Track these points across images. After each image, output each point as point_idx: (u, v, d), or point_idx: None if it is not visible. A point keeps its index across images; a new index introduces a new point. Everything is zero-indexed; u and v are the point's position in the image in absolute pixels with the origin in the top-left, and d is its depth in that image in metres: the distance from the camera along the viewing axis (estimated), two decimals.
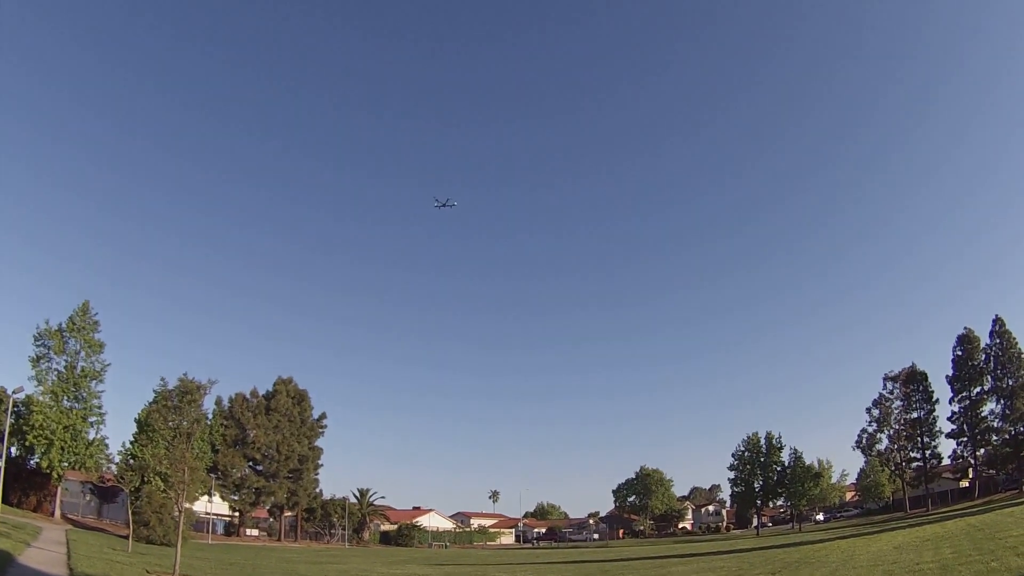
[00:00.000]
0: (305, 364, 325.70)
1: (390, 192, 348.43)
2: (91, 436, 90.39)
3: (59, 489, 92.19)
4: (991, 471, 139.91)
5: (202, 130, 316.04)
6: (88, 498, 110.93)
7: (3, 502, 61.36)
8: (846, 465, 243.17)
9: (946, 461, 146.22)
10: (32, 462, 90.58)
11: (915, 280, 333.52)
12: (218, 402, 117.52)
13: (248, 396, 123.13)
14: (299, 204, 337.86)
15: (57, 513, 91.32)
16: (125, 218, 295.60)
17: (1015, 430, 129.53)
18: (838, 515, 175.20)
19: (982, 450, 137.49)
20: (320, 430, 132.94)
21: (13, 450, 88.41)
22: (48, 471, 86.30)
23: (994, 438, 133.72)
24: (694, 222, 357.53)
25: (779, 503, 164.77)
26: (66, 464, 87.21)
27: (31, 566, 29.16)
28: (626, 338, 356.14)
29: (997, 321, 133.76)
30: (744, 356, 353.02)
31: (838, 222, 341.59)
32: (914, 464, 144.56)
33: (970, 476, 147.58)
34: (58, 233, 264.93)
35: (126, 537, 59.31)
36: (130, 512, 63.31)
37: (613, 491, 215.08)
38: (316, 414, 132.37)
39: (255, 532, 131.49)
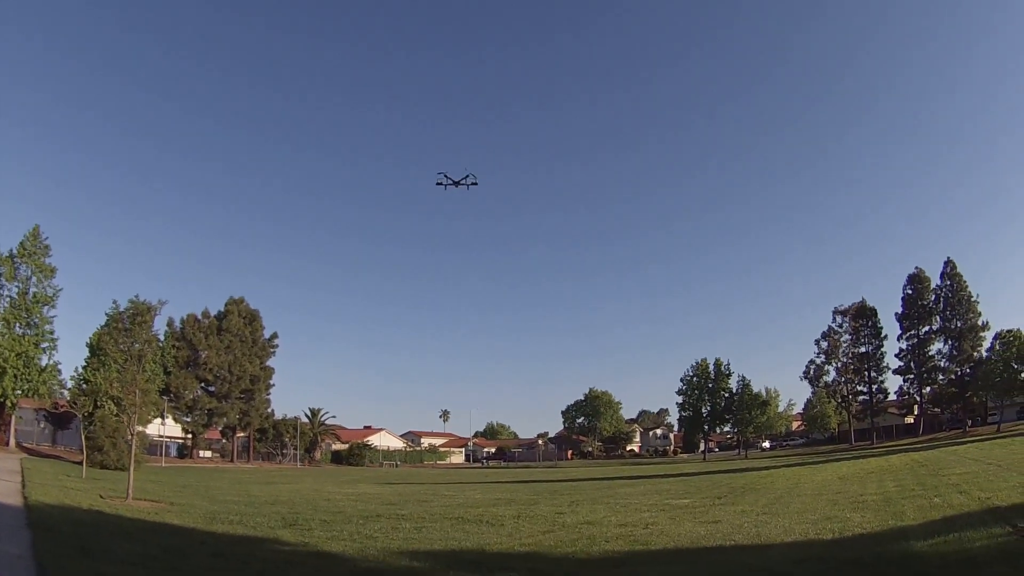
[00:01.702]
0: (256, 286, 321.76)
1: (337, 121, 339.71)
2: (44, 362, 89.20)
3: (13, 418, 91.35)
4: (936, 409, 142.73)
5: (154, 58, 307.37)
6: (42, 425, 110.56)
7: None
8: (793, 395, 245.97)
9: (892, 397, 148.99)
10: None
11: (867, 216, 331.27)
12: (170, 324, 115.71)
13: (200, 317, 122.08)
14: (249, 132, 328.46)
15: (12, 442, 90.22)
16: (74, 144, 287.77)
17: (961, 371, 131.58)
18: (784, 443, 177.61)
19: (928, 388, 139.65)
20: (272, 350, 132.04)
21: None
22: (1, 400, 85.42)
23: (940, 377, 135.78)
24: (650, 161, 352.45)
25: (726, 429, 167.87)
26: (19, 392, 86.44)
27: None
28: (577, 261, 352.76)
29: (948, 263, 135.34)
30: (695, 283, 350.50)
31: (790, 152, 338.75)
32: (860, 398, 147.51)
33: (915, 413, 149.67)
34: (6, 160, 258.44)
35: (80, 463, 59.22)
36: (84, 438, 62.83)
37: (562, 412, 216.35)
38: (267, 334, 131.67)
39: (208, 454, 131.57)
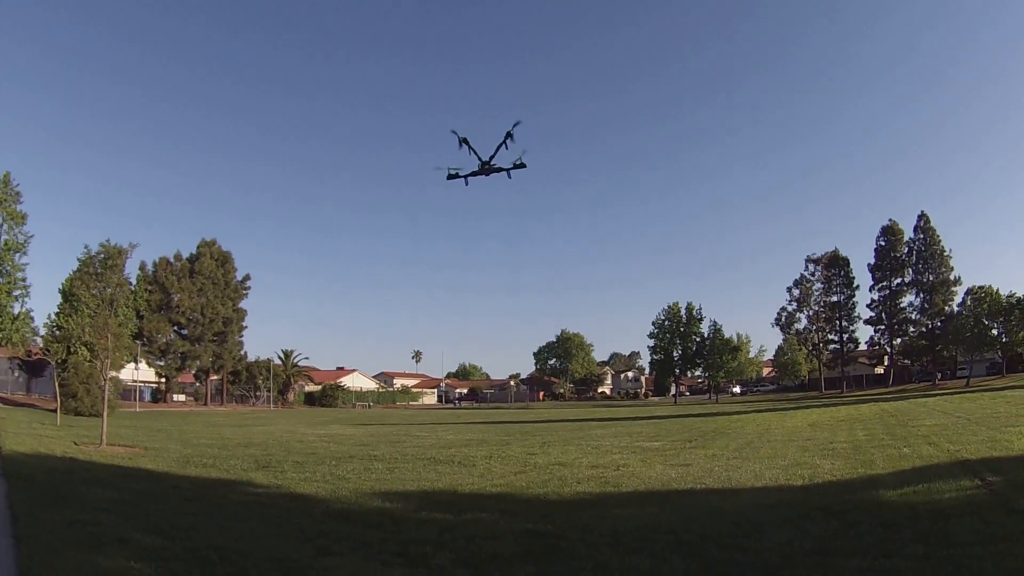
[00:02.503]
0: (227, 228, 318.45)
1: (308, 57, 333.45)
2: (16, 310, 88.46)
3: None
4: (906, 361, 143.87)
5: None
6: (16, 374, 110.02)
7: None
8: (764, 342, 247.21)
9: (863, 347, 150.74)
10: None
11: (841, 166, 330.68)
12: (142, 267, 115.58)
13: (172, 260, 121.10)
14: (215, 69, 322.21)
15: None
16: (42, 90, 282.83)
17: (932, 324, 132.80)
18: (754, 389, 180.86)
19: (899, 340, 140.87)
20: (244, 292, 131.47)
21: None
22: None
23: (911, 329, 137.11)
24: (627, 100, 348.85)
25: (697, 374, 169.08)
26: None
27: None
28: (551, 199, 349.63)
29: (922, 217, 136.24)
30: (668, 226, 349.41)
31: (767, 96, 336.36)
32: (831, 346, 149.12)
33: (886, 364, 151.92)
34: None
35: (55, 411, 59.12)
36: (57, 385, 62.63)
37: (534, 354, 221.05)
38: (240, 276, 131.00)
39: (182, 397, 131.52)
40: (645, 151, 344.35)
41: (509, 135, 40.60)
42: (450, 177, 43.77)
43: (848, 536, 12.13)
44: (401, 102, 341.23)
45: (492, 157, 42.32)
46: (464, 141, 41.90)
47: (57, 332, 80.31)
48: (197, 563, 10.73)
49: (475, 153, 41.84)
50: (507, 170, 42.51)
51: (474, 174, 42.94)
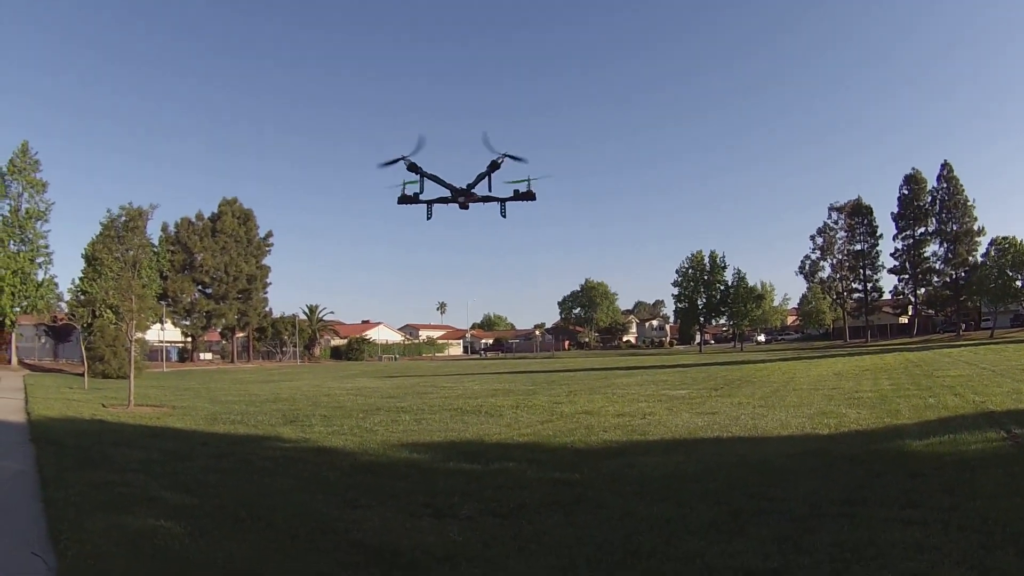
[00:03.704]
0: (249, 183, 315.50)
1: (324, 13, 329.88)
2: (40, 277, 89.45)
3: (13, 335, 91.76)
4: (930, 311, 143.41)
5: None
6: (43, 340, 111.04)
7: None
8: (788, 290, 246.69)
9: (887, 296, 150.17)
10: None
11: (865, 113, 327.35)
12: (164, 228, 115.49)
13: (194, 220, 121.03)
14: (235, 25, 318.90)
15: (14, 360, 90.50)
16: (57, 58, 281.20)
17: (956, 274, 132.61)
18: (779, 338, 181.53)
19: (922, 289, 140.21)
20: (267, 249, 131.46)
21: None
22: (1, 319, 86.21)
23: (935, 279, 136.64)
24: (652, 59, 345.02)
25: (722, 322, 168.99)
26: (18, 309, 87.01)
27: None
28: (574, 147, 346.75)
29: (945, 166, 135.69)
30: (693, 174, 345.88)
31: (791, 47, 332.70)
32: (855, 295, 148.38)
33: (909, 314, 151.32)
34: None
35: (82, 375, 59.29)
36: (84, 349, 62.65)
37: (559, 303, 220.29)
38: (262, 233, 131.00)
39: (208, 356, 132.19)
40: (671, 105, 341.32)
41: (495, 164, 25.78)
42: (403, 200, 27.35)
43: (874, 486, 12.10)
44: (421, 65, 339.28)
45: (472, 185, 27.19)
46: (413, 167, 25.88)
47: (82, 297, 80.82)
48: (226, 520, 10.80)
49: (438, 182, 27.14)
50: (502, 200, 27.46)
51: (442, 200, 27.78)
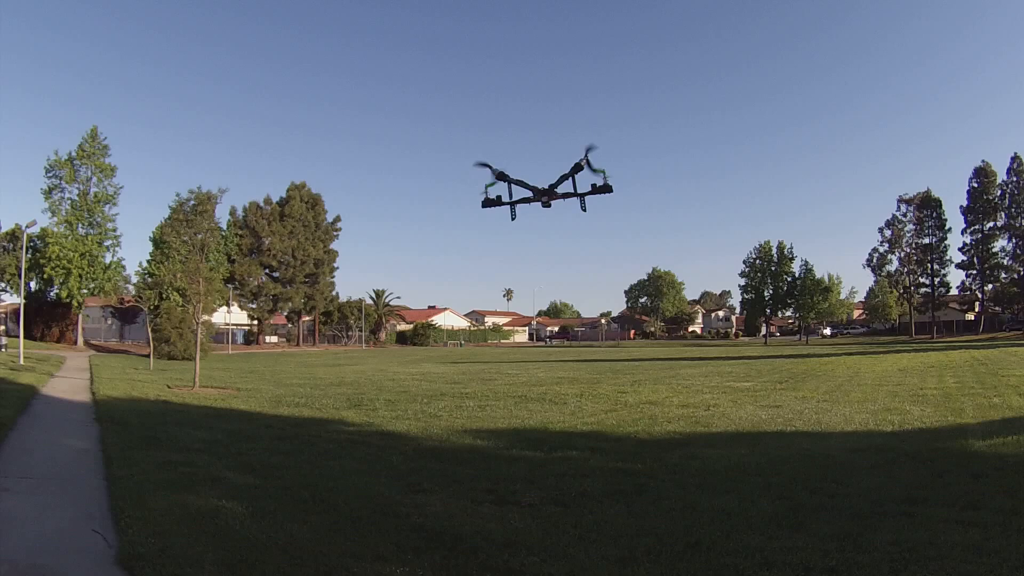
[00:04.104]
0: (318, 168, 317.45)
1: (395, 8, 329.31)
2: (108, 260, 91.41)
3: (80, 317, 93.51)
4: (997, 308, 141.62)
5: None
6: (109, 322, 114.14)
7: (26, 337, 61.96)
8: (855, 283, 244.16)
9: (954, 291, 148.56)
10: (52, 294, 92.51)
11: (936, 103, 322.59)
12: (232, 212, 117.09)
13: (262, 204, 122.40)
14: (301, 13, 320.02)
15: (80, 341, 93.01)
16: (126, 44, 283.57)
17: None
18: (844, 331, 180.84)
19: (990, 286, 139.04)
20: (335, 233, 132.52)
21: (32, 284, 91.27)
22: (68, 300, 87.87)
23: (1003, 275, 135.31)
24: (723, 45, 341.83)
25: (788, 314, 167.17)
26: (85, 291, 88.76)
27: (55, 396, 29.18)
28: (642, 131, 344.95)
29: (1015, 159, 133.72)
30: (762, 164, 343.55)
31: (860, 35, 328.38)
32: (922, 290, 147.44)
33: (976, 310, 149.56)
34: (59, 60, 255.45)
35: (148, 356, 59.99)
36: (150, 330, 63.40)
37: (625, 292, 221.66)
38: (330, 217, 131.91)
39: (274, 339, 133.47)
40: (737, 93, 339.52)
41: (579, 166, 26.58)
42: (487, 204, 28.25)
43: (936, 485, 12.02)
44: (489, 51, 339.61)
45: (554, 185, 28.88)
46: (502, 176, 27.19)
47: (149, 279, 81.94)
48: (289, 501, 10.89)
49: (522, 185, 27.16)
50: (581, 196, 28.04)
51: (524, 201, 29.03)
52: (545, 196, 25.50)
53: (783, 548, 8.52)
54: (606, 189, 25.44)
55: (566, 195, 25.23)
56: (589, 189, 25.11)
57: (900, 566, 7.86)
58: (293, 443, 17.18)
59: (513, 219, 27.80)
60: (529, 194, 25.60)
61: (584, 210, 26.12)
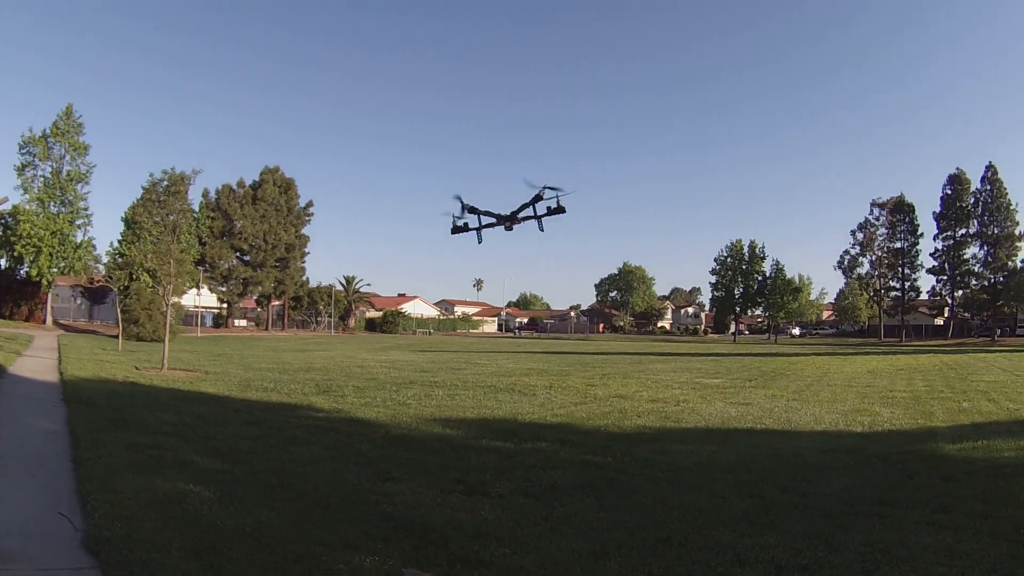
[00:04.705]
0: (290, 154, 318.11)
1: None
2: (79, 239, 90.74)
3: (49, 296, 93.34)
4: (966, 314, 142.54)
5: None
6: (79, 302, 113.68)
7: None
8: (826, 284, 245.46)
9: (924, 296, 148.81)
10: (22, 272, 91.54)
11: (912, 110, 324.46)
12: (205, 194, 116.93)
13: (235, 187, 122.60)
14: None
15: (49, 320, 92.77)
16: (102, 15, 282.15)
17: (995, 278, 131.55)
18: (814, 331, 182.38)
19: (960, 292, 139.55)
20: (307, 218, 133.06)
21: (2, 262, 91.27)
22: (38, 279, 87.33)
23: (973, 282, 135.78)
24: (704, 50, 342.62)
25: (757, 313, 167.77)
26: (55, 270, 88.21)
27: (23, 375, 28.91)
28: (617, 130, 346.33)
29: (990, 168, 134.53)
30: (735, 164, 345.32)
31: (841, 43, 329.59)
32: (892, 293, 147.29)
33: (945, 316, 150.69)
34: (34, 41, 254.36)
35: (117, 337, 59.80)
36: (119, 311, 63.12)
37: (595, 285, 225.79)
38: (303, 203, 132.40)
39: (243, 323, 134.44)
40: (713, 98, 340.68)
41: (539, 197, 31.62)
42: (455, 231, 34.00)
43: (907, 487, 12.14)
44: (465, 48, 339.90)
45: (516, 212, 33.49)
46: (471, 209, 33.40)
47: (119, 259, 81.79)
48: (257, 487, 10.84)
49: (488, 215, 33.38)
50: (539, 218, 32.73)
51: (489, 226, 34.32)
52: (508, 222, 32.59)
53: (755, 546, 8.61)
54: (560, 211, 32.24)
55: (526, 218, 32.00)
56: (545, 212, 31.32)
57: (872, 567, 7.97)
58: (262, 428, 17.13)
59: (480, 243, 37.88)
60: (494, 220, 32.42)
61: (541, 230, 32.23)
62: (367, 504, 10.12)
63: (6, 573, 7.21)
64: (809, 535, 9.10)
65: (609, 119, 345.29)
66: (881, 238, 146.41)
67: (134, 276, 74.42)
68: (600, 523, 9.46)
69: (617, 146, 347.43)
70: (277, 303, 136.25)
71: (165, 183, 69.88)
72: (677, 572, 7.75)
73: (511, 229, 33.42)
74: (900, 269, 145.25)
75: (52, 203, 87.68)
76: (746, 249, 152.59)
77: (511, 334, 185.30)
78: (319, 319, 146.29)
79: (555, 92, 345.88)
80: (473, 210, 33.25)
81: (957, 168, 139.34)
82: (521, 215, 32.61)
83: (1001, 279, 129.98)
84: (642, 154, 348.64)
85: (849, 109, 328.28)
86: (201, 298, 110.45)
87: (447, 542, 8.40)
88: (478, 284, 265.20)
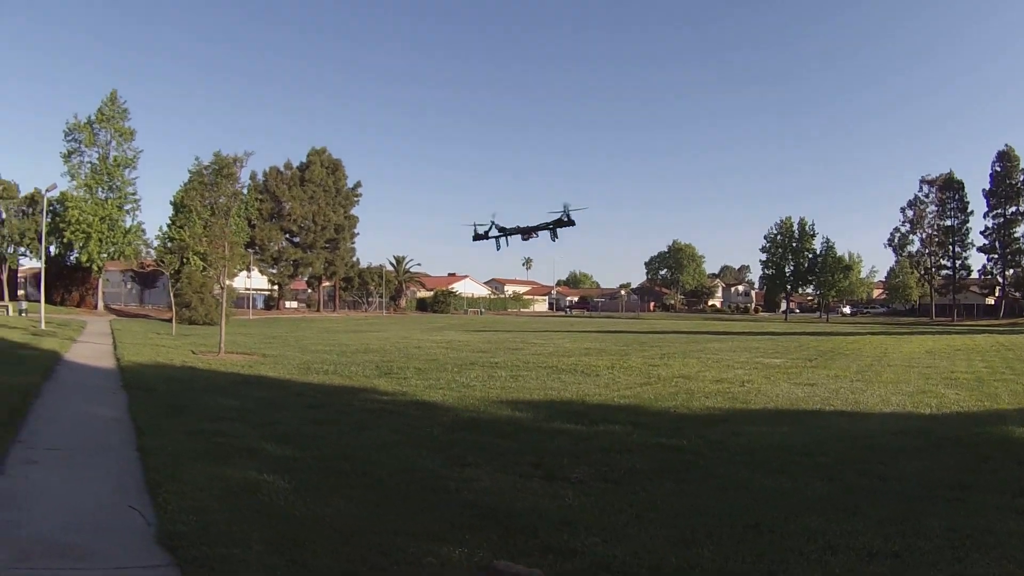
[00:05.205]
0: (338, 134, 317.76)
1: None
2: (128, 224, 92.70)
3: (100, 281, 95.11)
4: (1017, 293, 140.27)
5: None
6: (129, 286, 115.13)
7: (47, 301, 62.28)
8: (876, 262, 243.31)
9: (975, 275, 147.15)
10: (72, 258, 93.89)
11: (959, 85, 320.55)
12: (253, 177, 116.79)
13: (282, 169, 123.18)
14: None
15: (100, 305, 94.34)
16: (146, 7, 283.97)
17: None
18: (864, 310, 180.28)
19: (1011, 271, 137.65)
20: (355, 199, 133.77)
21: (52, 249, 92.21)
22: (88, 264, 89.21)
23: None
24: (755, 18, 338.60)
25: (808, 291, 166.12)
26: (105, 255, 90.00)
27: (79, 362, 29.12)
28: (666, 104, 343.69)
29: None
30: (787, 140, 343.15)
31: (886, 16, 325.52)
32: (943, 272, 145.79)
33: (996, 295, 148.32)
34: (79, 25, 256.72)
35: (169, 321, 60.12)
36: (172, 295, 63.49)
37: (645, 263, 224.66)
38: (351, 183, 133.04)
39: (294, 304, 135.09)
40: (762, 69, 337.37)
41: (560, 221, 40.71)
42: (477, 238, 42.73)
43: (983, 471, 11.92)
44: (515, 14, 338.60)
45: (535, 228, 42.44)
46: (500, 228, 42.31)
47: (170, 243, 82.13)
48: (330, 474, 10.68)
49: (507, 232, 42.68)
50: (550, 228, 41.75)
51: (506, 234, 42.70)
52: (526, 233, 40.78)
53: (843, 531, 8.48)
54: (570, 223, 40.88)
55: (540, 229, 41.30)
56: (556, 224, 39.57)
57: (962, 553, 7.81)
58: (326, 412, 17.02)
59: (498, 249, 44.93)
60: (515, 233, 40.40)
61: (554, 240, 41.27)
62: (447, 491, 9.97)
63: (78, 571, 7.04)
64: (893, 520, 8.97)
65: (660, 93, 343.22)
66: (931, 216, 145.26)
67: (185, 260, 74.82)
68: (684, 509, 9.31)
69: (667, 120, 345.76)
70: (328, 284, 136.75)
71: (214, 166, 70.02)
72: (770, 560, 7.61)
73: (528, 239, 42.40)
74: (950, 247, 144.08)
75: (100, 189, 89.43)
76: (796, 226, 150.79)
77: (562, 313, 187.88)
78: (370, 300, 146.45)
79: (604, 62, 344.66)
80: (502, 230, 41.78)
81: (1006, 144, 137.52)
82: (539, 230, 41.25)
83: None
84: (690, 130, 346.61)
85: (898, 82, 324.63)
86: (251, 280, 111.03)
87: (535, 531, 8.24)
88: (527, 263, 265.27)
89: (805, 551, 7.80)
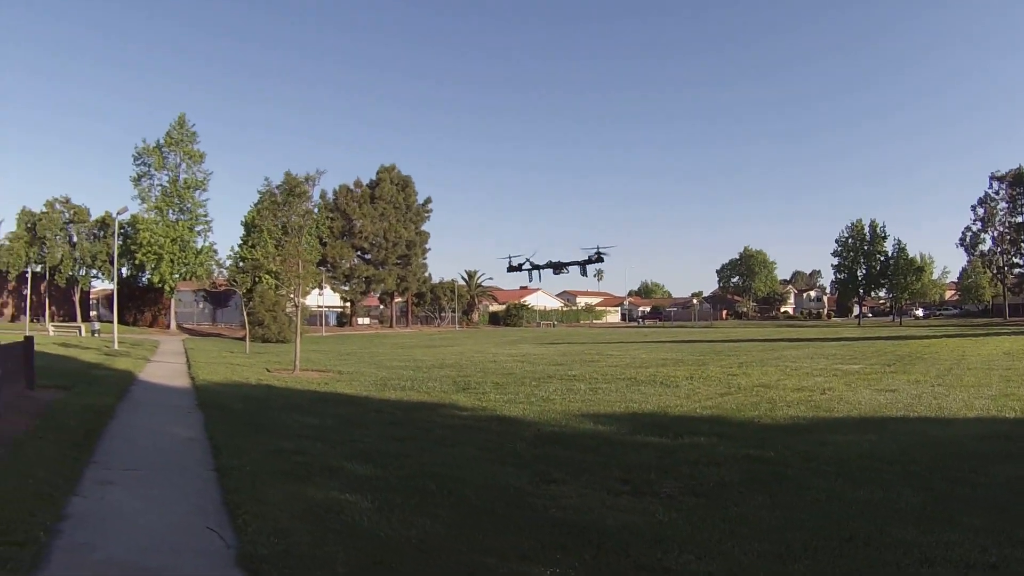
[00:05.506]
0: (408, 151, 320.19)
1: None
2: (199, 244, 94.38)
3: (172, 301, 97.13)
4: None
5: None
6: (201, 306, 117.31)
7: (119, 322, 63.19)
8: (947, 263, 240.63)
9: None
10: (143, 279, 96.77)
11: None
12: (323, 196, 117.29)
13: (352, 187, 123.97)
14: None
15: (172, 324, 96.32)
16: (212, 25, 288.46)
17: None
18: (937, 312, 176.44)
19: None
20: (426, 215, 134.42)
21: (124, 270, 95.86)
22: (160, 285, 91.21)
23: None
24: (822, 29, 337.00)
25: (880, 294, 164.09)
26: (177, 276, 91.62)
27: (153, 381, 29.53)
28: (734, 117, 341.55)
29: None
30: (854, 143, 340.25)
31: (957, 14, 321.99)
32: (1016, 270, 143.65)
33: None
34: (145, 49, 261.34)
35: (242, 339, 60.77)
36: (244, 314, 64.34)
37: (716, 271, 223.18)
38: (421, 199, 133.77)
39: (366, 320, 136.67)
40: (833, 72, 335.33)
41: (591, 259, 46.89)
42: (511, 269, 48.82)
43: None
44: (578, 19, 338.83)
45: (567, 264, 48.57)
46: (533, 265, 48.33)
47: (241, 263, 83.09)
48: (414, 493, 10.54)
49: (539, 267, 48.54)
50: (581, 264, 47.97)
51: (538, 267, 48.46)
52: (557, 269, 45.62)
53: (939, 543, 8.25)
54: (599, 260, 46.13)
55: (570, 265, 45.89)
56: (586, 261, 44.75)
57: None
58: (406, 429, 16.96)
59: (531, 281, 50.52)
60: (547, 269, 45.50)
61: (584, 275, 52.63)
62: (534, 509, 9.81)
63: None
64: (989, 530, 8.72)
65: (727, 104, 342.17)
66: (1002, 213, 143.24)
67: (258, 279, 75.60)
68: (778, 522, 9.11)
69: (735, 130, 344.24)
70: (400, 300, 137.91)
71: (285, 186, 70.71)
72: (868, 574, 7.47)
73: (559, 274, 48.02)
74: (1023, 245, 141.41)
75: (171, 211, 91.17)
76: (867, 229, 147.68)
77: (635, 323, 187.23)
78: (442, 314, 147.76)
79: (674, 77, 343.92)
80: (535, 265, 47.29)
81: None
82: (569, 266, 47.04)
83: None
84: (762, 138, 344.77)
85: (969, 82, 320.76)
86: (323, 297, 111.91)
87: (627, 549, 8.06)
88: (599, 274, 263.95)
89: (902, 564, 7.62)
